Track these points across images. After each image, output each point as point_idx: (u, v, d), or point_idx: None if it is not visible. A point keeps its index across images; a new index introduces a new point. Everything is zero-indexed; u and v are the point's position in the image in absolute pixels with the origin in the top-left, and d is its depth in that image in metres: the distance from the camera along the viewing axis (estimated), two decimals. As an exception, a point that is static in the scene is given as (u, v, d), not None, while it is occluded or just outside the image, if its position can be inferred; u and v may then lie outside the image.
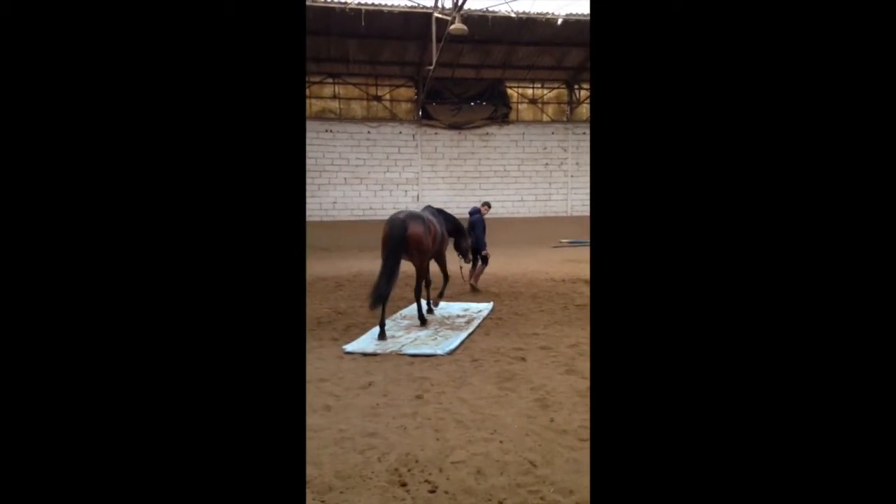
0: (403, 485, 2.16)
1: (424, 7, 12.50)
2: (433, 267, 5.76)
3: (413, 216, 5.03)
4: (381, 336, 4.58)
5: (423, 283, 5.33)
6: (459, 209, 16.70)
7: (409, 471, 2.27)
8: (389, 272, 4.63)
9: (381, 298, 4.53)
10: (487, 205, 7.65)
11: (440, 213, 5.99)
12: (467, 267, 7.08)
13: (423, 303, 5.37)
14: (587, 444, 2.51)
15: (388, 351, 4.28)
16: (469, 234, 6.66)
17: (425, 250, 5.02)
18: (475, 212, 7.37)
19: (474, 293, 7.03)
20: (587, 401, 3.10)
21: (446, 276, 6.11)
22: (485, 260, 7.24)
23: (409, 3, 12.54)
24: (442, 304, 6.25)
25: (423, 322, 5.18)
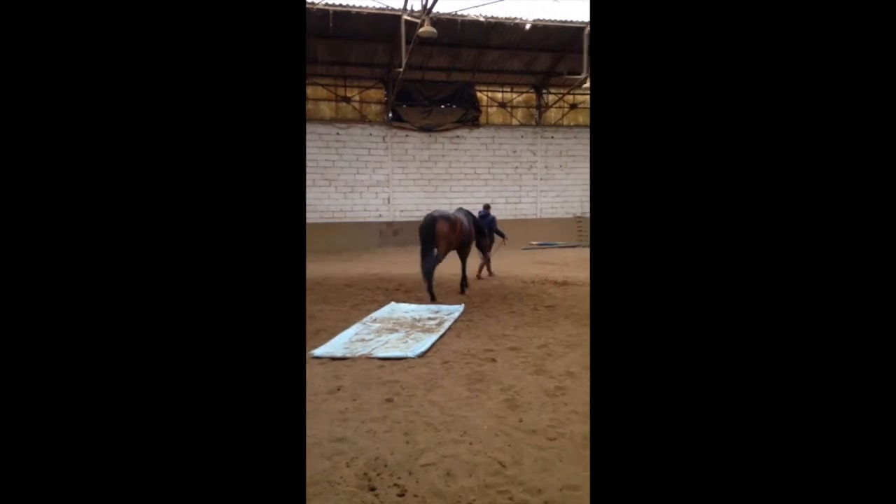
0: (372, 489, 2.14)
1: (393, 9, 12.47)
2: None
3: (443, 215, 6.71)
4: (432, 300, 6.48)
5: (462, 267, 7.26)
6: (430, 211, 16.72)
7: (378, 475, 2.25)
8: (426, 254, 6.45)
9: (427, 273, 6.48)
10: (488, 206, 9.64)
11: (469, 214, 7.55)
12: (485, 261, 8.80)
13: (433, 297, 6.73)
14: (555, 443, 2.54)
15: (358, 355, 4.24)
16: (487, 231, 8.38)
17: (449, 241, 6.63)
18: (485, 214, 9.06)
19: (487, 278, 8.60)
20: (555, 400, 3.14)
21: (464, 266, 7.59)
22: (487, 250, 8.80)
23: (378, 5, 12.49)
24: (413, 306, 6.27)
25: (433, 296, 6.59)
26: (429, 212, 6.89)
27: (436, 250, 6.48)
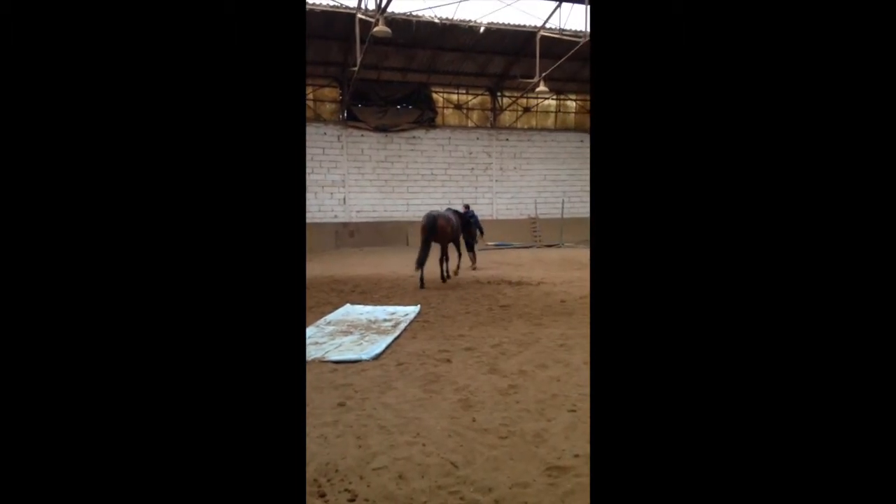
0: (322, 496, 2.10)
1: (347, 7, 12.33)
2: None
3: (440, 214, 8.15)
4: (421, 286, 7.75)
5: (444, 258, 8.46)
6: (387, 212, 16.66)
7: (328, 481, 2.21)
8: (425, 248, 7.79)
9: (420, 263, 7.74)
10: (468, 206, 10.75)
11: (456, 213, 9.02)
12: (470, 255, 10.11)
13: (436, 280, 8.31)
14: (506, 442, 2.58)
15: (310, 358, 4.15)
16: (472, 226, 9.81)
17: (447, 236, 8.12)
18: (471, 213, 10.18)
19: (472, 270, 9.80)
20: (507, 399, 3.19)
21: (459, 254, 9.20)
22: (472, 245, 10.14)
23: (332, 3, 12.30)
24: (368, 307, 6.22)
25: (444, 280, 8.25)
26: (428, 212, 8.30)
27: (437, 244, 8.07)
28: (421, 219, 8.24)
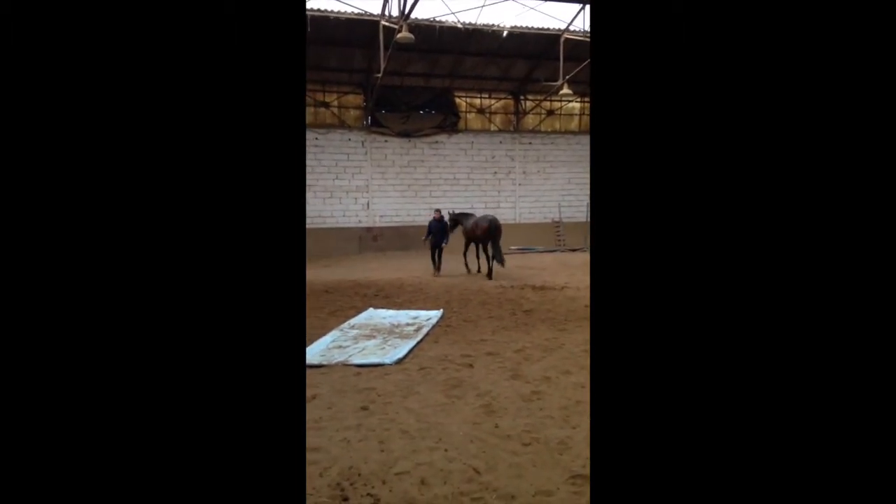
0: (345, 500, 2.11)
1: (371, 15, 12.47)
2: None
3: (495, 218, 9.54)
4: (490, 270, 9.55)
5: (495, 256, 9.60)
6: (410, 216, 16.75)
7: (351, 485, 2.23)
8: (496, 248, 9.36)
9: (500, 260, 9.46)
10: (438, 210, 11.08)
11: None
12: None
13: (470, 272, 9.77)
14: (529, 449, 2.55)
15: (334, 362, 4.20)
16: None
17: (500, 236, 9.49)
18: (445, 221, 10.61)
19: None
20: (530, 405, 3.16)
21: (488, 257, 9.78)
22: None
23: (356, 11, 12.47)
24: (391, 311, 6.27)
25: (467, 270, 9.88)
26: (486, 215, 9.68)
27: (486, 244, 9.36)
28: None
